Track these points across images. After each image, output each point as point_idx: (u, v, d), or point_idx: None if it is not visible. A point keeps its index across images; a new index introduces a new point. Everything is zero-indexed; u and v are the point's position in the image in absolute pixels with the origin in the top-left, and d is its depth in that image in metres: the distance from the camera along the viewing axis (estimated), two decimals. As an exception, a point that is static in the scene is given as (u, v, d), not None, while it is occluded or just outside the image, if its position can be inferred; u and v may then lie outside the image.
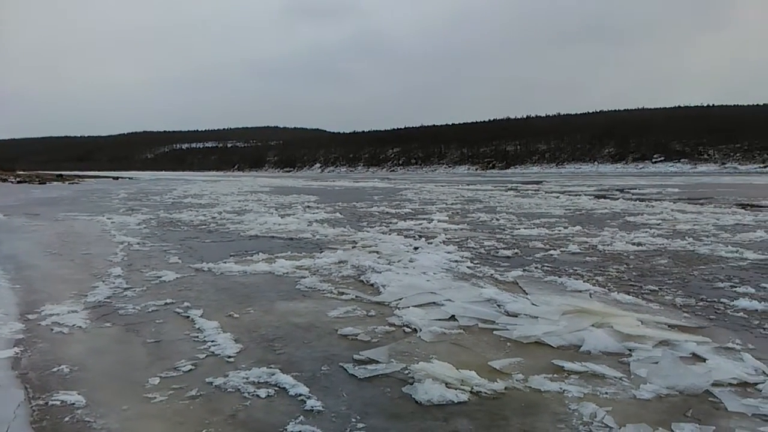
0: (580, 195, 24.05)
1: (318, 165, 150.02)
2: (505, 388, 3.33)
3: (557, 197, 22.52)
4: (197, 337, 4.37)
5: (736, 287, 5.85)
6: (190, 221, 13.63)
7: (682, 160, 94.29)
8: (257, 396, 3.27)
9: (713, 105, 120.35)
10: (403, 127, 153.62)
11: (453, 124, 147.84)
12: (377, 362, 3.75)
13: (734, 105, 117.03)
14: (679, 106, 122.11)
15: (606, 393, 3.26)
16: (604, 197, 22.35)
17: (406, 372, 3.57)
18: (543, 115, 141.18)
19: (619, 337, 4.16)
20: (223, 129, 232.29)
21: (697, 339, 4.13)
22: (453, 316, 4.83)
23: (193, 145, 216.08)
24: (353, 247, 8.76)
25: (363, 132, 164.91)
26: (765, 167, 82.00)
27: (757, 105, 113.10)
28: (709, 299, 5.39)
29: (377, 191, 31.36)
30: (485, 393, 3.27)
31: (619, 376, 3.49)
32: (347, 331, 4.41)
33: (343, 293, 5.72)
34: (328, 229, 11.26)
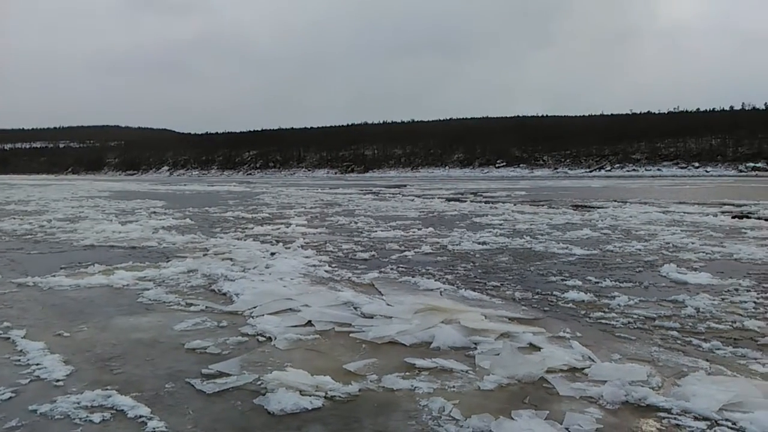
0: (433, 198, 25.23)
1: (166, 168, 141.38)
2: (360, 390, 3.34)
3: (412, 200, 23.43)
4: (19, 360, 3.86)
5: (566, 280, 6.46)
6: (12, 231, 12.10)
7: (521, 165, 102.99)
8: (90, 421, 2.95)
9: (546, 115, 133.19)
10: (260, 129, 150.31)
11: (312, 128, 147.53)
12: (228, 375, 3.57)
13: (563, 115, 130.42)
14: (518, 116, 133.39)
15: (453, 387, 3.41)
16: (458, 200, 23.67)
17: (259, 383, 3.44)
18: (398, 121, 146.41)
19: (465, 332, 4.38)
20: (55, 128, 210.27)
21: (534, 330, 4.49)
22: (309, 321, 4.77)
23: (18, 145, 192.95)
24: (204, 255, 8.34)
25: (217, 133, 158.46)
26: (590, 171, 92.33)
27: (582, 116, 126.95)
28: (543, 292, 5.89)
29: (232, 195, 30.30)
30: (340, 397, 3.25)
31: (466, 369, 3.67)
32: (195, 345, 4.16)
33: (191, 304, 5.39)
34: (176, 237, 10.61)
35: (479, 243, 9.58)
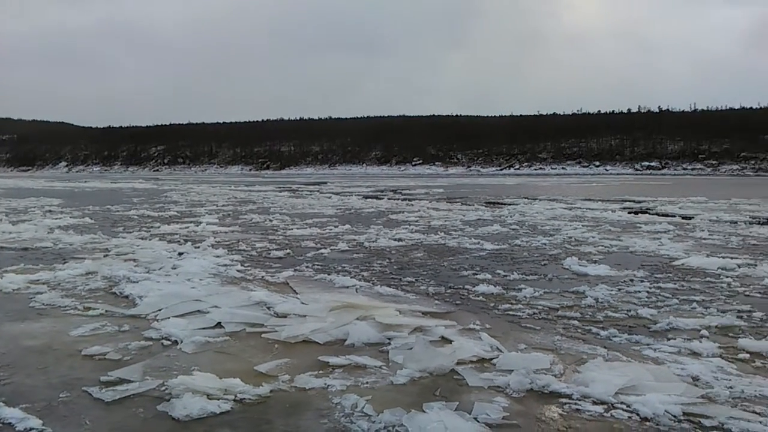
0: (351, 195, 25.25)
1: (64, 163, 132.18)
2: (271, 392, 3.25)
3: (330, 197, 23.33)
4: None
5: (477, 274, 6.66)
6: None
7: (436, 163, 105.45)
8: (-31, 440, 2.68)
9: (460, 115, 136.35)
10: (168, 123, 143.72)
11: (225, 123, 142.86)
12: (129, 381, 3.37)
13: (476, 115, 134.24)
14: (434, 115, 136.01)
15: (367, 383, 3.40)
16: (376, 197, 23.82)
17: (163, 388, 3.27)
18: (316, 117, 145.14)
19: (380, 327, 4.39)
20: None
21: (446, 323, 4.58)
22: (219, 323, 4.60)
23: None
24: (105, 256, 7.86)
25: (120, 127, 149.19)
26: (501, 169, 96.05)
27: (494, 116, 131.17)
28: (455, 286, 6.03)
29: (137, 193, 28.85)
30: (250, 399, 3.16)
31: (379, 365, 3.68)
32: (94, 351, 3.89)
33: (90, 308, 5.05)
34: (74, 237, 9.92)
35: (395, 239, 9.68)
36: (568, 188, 33.69)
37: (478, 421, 2.90)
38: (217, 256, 7.78)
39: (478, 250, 8.64)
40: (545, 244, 9.20)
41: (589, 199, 21.34)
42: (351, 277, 6.39)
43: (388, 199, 22.87)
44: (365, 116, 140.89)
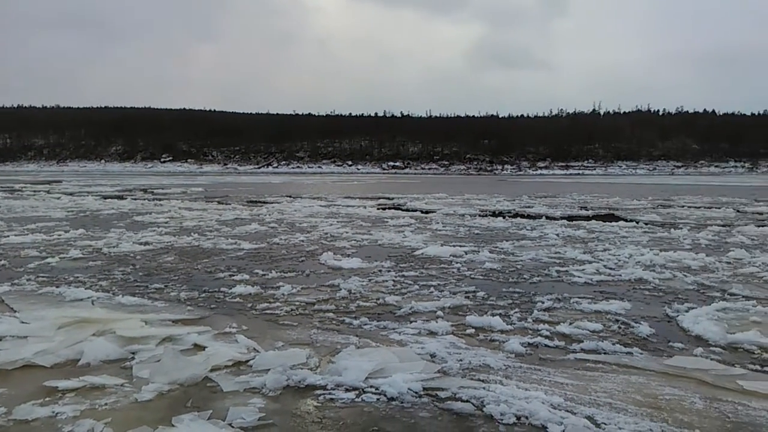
0: (87, 195, 22.48)
1: None
2: (-23, 434, 2.67)
3: (59, 198, 20.43)
4: None
5: (234, 275, 6.47)
6: None
7: (189, 160, 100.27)
8: None
9: (215, 110, 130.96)
10: None
11: None
12: None
13: (232, 111, 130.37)
14: (186, 109, 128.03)
15: (106, 404, 3.02)
16: (119, 198, 21.55)
17: None
18: (39, 105, 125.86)
19: (122, 342, 3.95)
20: None
21: (199, 329, 4.33)
22: None
23: None
24: None
25: None
26: (259, 168, 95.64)
27: (250, 113, 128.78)
28: (210, 290, 5.76)
29: None
30: (-55, 448, 2.55)
31: (121, 383, 3.30)
32: None
33: None
34: None
35: (141, 243, 8.88)
36: (332, 186, 35.10)
37: (232, 427, 2.79)
38: None
39: (236, 250, 8.41)
40: (303, 240, 9.39)
41: (349, 197, 22.53)
42: (86, 288, 5.64)
43: (133, 199, 20.94)
44: (102, 106, 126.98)
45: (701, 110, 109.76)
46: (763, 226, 11.33)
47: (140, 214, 14.17)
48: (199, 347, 3.94)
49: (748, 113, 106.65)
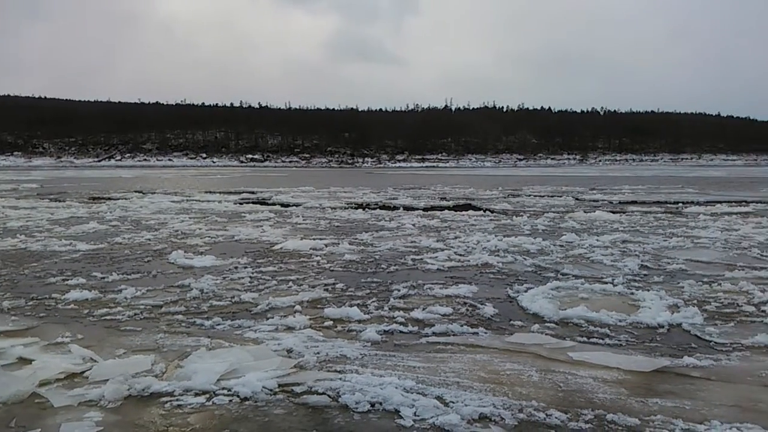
0: None
1: None
2: None
3: None
4: None
5: (68, 280, 5.86)
6: None
7: (15, 153, 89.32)
8: None
9: (46, 97, 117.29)
10: None
11: None
12: None
13: (67, 99, 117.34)
14: (10, 95, 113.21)
15: None
16: None
17: None
18: None
19: (-76, 363, 3.40)
20: None
21: (26, 341, 3.87)
22: None
23: None
24: None
25: None
26: (99, 161, 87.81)
27: (88, 101, 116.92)
28: (39, 297, 5.17)
29: None
30: None
31: None
32: None
33: None
34: None
35: (-47, 247, 7.72)
36: (191, 181, 33.12)
37: (63, 448, 2.51)
38: None
39: (71, 252, 7.63)
40: (150, 239, 8.78)
41: (209, 192, 21.42)
42: None
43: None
44: None
45: (539, 107, 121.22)
46: (590, 211, 12.71)
47: (-47, 214, 12.34)
48: (25, 360, 3.51)
49: (578, 110, 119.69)
